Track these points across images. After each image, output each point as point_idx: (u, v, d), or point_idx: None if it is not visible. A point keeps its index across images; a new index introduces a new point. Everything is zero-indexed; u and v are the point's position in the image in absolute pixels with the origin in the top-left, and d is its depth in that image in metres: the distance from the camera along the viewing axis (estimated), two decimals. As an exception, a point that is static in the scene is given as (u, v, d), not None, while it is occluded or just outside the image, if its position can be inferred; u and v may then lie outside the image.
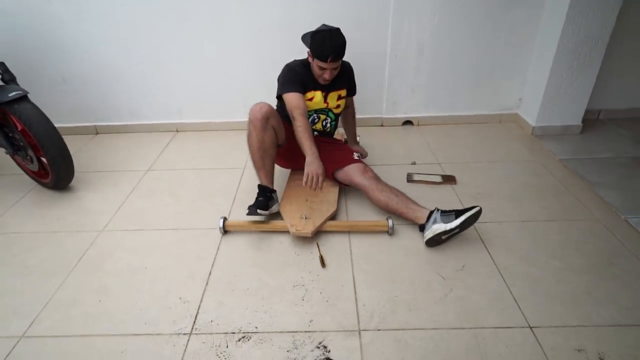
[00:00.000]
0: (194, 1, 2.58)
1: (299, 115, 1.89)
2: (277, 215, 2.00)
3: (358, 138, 2.55)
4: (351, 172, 2.03)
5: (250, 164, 2.50)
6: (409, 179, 2.31)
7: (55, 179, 2.18)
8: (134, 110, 3.00)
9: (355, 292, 1.58)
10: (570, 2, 2.34)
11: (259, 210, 1.84)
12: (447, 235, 1.74)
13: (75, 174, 2.30)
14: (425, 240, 1.78)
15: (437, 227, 1.72)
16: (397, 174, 2.32)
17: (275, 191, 1.99)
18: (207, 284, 1.65)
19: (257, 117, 1.83)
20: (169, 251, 1.84)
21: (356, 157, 2.10)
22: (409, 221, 1.90)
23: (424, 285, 1.59)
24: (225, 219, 1.93)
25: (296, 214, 1.93)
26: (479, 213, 1.72)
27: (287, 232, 1.89)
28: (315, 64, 1.93)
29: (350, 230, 1.93)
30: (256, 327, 1.45)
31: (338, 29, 1.92)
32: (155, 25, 2.66)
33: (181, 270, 1.72)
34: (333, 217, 1.98)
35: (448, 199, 2.13)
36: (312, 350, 1.36)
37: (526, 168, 2.42)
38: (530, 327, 1.40)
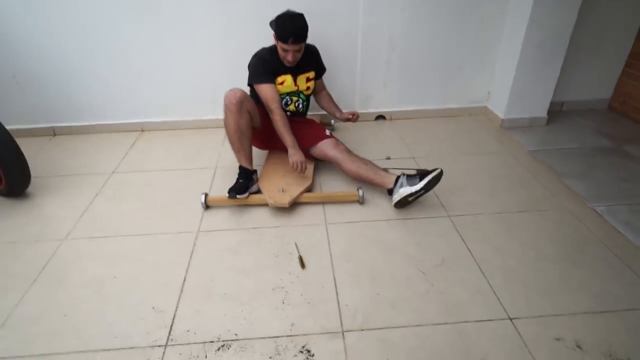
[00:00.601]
0: (157, -6, 2.46)
1: (276, 109, 2.07)
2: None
3: (332, 130, 2.56)
4: (324, 147, 2.17)
5: (221, 163, 2.46)
6: (385, 174, 2.31)
7: (9, 185, 2.03)
8: (95, 109, 2.82)
9: (336, 293, 1.55)
10: (534, 1, 2.39)
11: (238, 196, 1.96)
12: (413, 197, 1.90)
13: (33, 179, 2.14)
14: (393, 203, 1.95)
15: (404, 190, 1.89)
16: (373, 169, 2.31)
17: (255, 171, 2.14)
18: (182, 291, 1.57)
19: (232, 102, 1.93)
20: (140, 258, 1.74)
21: (327, 134, 2.23)
22: (378, 186, 2.05)
23: (405, 282, 1.59)
24: (206, 194, 2.04)
25: (274, 188, 2.06)
26: (440, 174, 1.89)
27: (266, 227, 1.92)
28: (279, 46, 2.04)
29: (324, 201, 2.08)
30: (236, 334, 1.39)
31: (301, 14, 2.04)
32: (118, 18, 2.51)
33: (153, 278, 1.64)
34: (309, 190, 2.11)
35: (424, 193, 2.14)
36: (295, 355, 1.32)
37: (497, 160, 2.47)
38: (510, 319, 1.42)
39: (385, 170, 2.27)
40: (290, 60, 2.05)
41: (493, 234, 1.84)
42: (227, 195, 1.95)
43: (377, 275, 1.62)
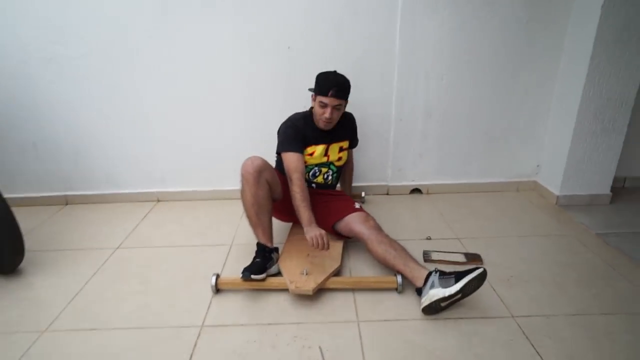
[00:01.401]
0: (182, 62, 2.39)
1: (297, 180, 1.85)
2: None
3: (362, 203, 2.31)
4: (351, 221, 1.89)
5: (238, 239, 2.18)
6: (426, 258, 1.95)
7: (-1, 262, 1.80)
8: (111, 177, 2.67)
9: None
10: (589, 63, 2.17)
11: (252, 276, 1.67)
12: (447, 302, 1.51)
13: (32, 253, 1.94)
14: (421, 307, 1.55)
15: (435, 293, 1.50)
16: (411, 251, 1.94)
17: (276, 249, 1.86)
18: (171, 414, 1.21)
19: (249, 171, 1.73)
20: (127, 362, 1.40)
21: (356, 207, 1.98)
22: (406, 280, 1.67)
23: (468, 415, 1.17)
24: (217, 275, 1.75)
25: (296, 270, 1.76)
26: (483, 275, 1.49)
27: (284, 322, 1.52)
28: (317, 102, 1.88)
29: (355, 288, 1.75)
30: None
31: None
32: (138, 86, 2.44)
33: (139, 392, 1.29)
34: (337, 273, 1.82)
35: (477, 284, 1.76)
36: None
37: (560, 244, 2.08)
38: None
39: (427, 256, 1.95)
40: (327, 118, 1.86)
41: (576, 345, 1.42)
42: (241, 276, 1.67)
43: (428, 402, 1.22)
